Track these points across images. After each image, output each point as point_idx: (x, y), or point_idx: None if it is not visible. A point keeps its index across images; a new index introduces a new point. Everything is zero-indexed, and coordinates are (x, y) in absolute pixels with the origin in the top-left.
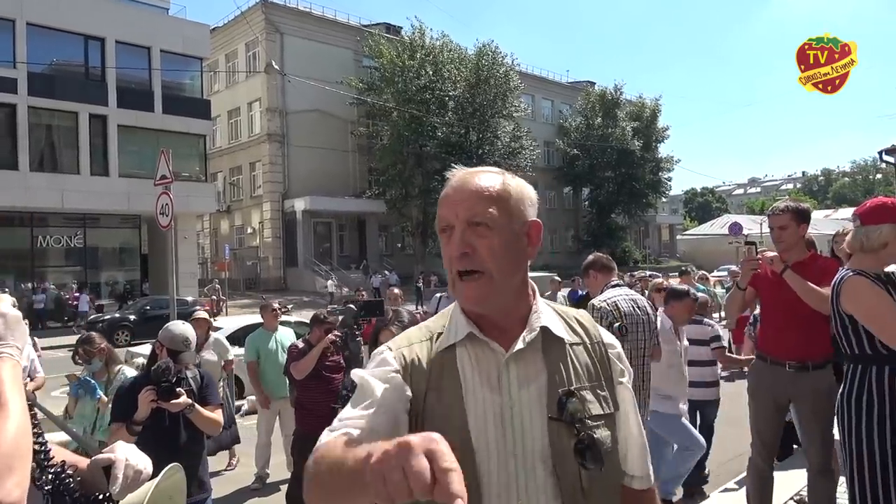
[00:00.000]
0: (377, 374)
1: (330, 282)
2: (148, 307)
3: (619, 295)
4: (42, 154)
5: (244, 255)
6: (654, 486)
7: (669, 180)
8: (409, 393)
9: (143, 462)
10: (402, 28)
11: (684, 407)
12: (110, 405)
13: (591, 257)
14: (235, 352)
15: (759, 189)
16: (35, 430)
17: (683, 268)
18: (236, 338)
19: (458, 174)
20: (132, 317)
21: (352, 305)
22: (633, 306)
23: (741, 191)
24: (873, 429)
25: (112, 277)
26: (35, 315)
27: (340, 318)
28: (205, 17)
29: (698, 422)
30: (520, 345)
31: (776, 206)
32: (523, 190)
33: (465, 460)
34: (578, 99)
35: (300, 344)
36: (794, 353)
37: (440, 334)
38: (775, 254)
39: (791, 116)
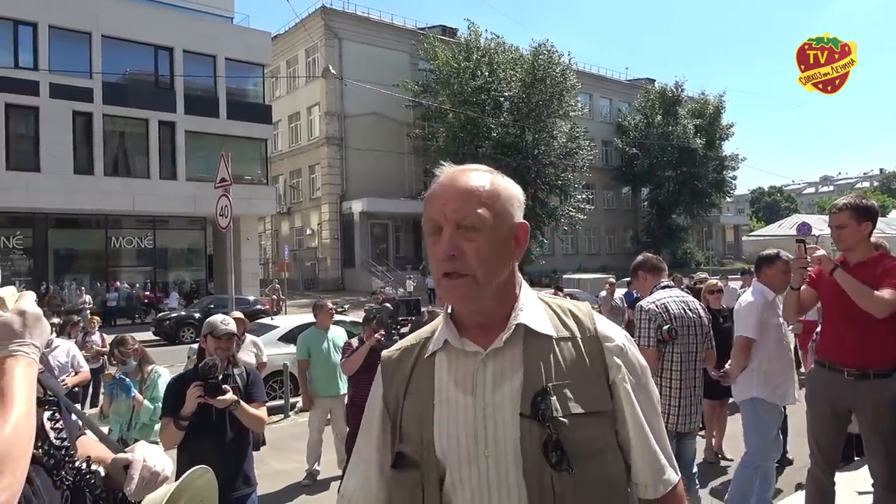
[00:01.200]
0: (369, 404)
1: (376, 281)
2: (212, 306)
3: (668, 296)
4: (116, 159)
5: (303, 255)
6: (674, 490)
7: (734, 179)
8: (387, 424)
9: (162, 463)
10: (457, 30)
11: (793, 395)
12: (145, 402)
13: (639, 258)
14: (290, 350)
15: (831, 188)
16: (56, 426)
17: (747, 268)
18: (291, 337)
19: (447, 172)
20: (197, 315)
21: (388, 304)
22: (683, 308)
23: (812, 189)
24: None
25: (179, 277)
26: (108, 312)
27: (377, 316)
28: (266, 24)
29: None
30: (496, 344)
31: (835, 203)
32: (511, 190)
33: (430, 465)
34: (637, 97)
35: (355, 343)
36: (854, 359)
37: (428, 339)
38: (823, 252)
39: (867, 111)
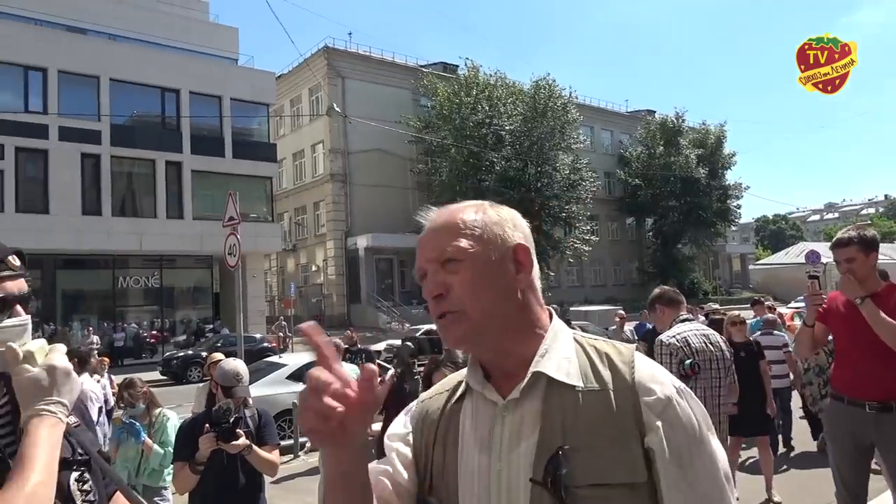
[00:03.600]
0: (392, 436)
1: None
2: (219, 344)
3: (689, 330)
4: (123, 200)
5: (309, 292)
6: None
7: (738, 208)
8: (410, 456)
9: None
10: (458, 67)
11: None
12: (154, 447)
13: (657, 290)
14: (298, 388)
15: (836, 214)
16: (85, 488)
17: (756, 297)
18: (299, 375)
19: (430, 216)
20: (204, 353)
21: (409, 343)
22: (705, 342)
23: (817, 217)
24: None
25: (186, 316)
26: (115, 353)
27: (397, 355)
28: (271, 65)
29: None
30: (514, 394)
31: (840, 237)
32: (502, 214)
33: None
34: (639, 128)
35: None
36: (875, 392)
37: (461, 383)
38: (851, 280)
39: (871, 137)
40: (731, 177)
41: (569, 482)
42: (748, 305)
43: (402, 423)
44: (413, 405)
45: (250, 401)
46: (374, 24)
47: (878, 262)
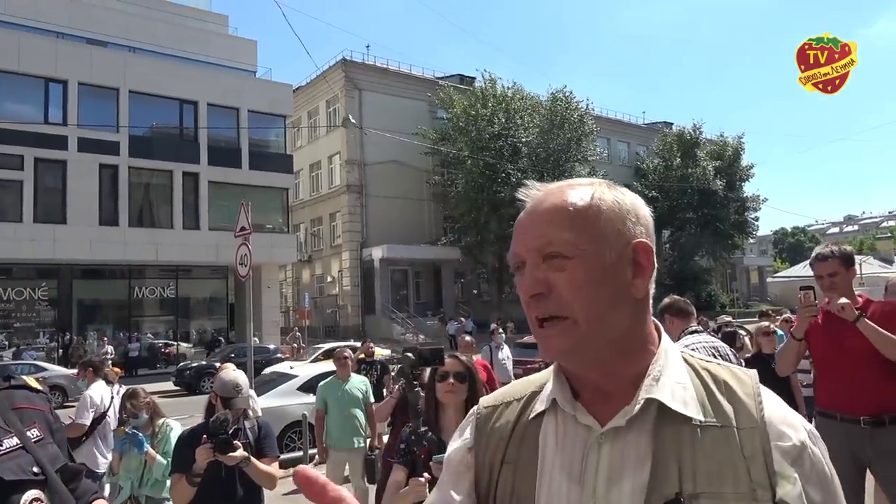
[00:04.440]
0: (451, 450)
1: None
2: (233, 354)
3: (698, 342)
4: (140, 210)
5: (324, 303)
6: None
7: (756, 220)
8: (471, 473)
9: None
10: (474, 79)
11: None
12: (157, 458)
13: (666, 301)
14: (309, 399)
15: (856, 227)
16: None
17: (764, 309)
18: (310, 386)
19: (535, 193)
20: (217, 364)
21: (409, 354)
22: (714, 355)
23: (836, 229)
24: None
25: (201, 326)
26: (130, 363)
27: (398, 366)
28: (288, 77)
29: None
30: (618, 421)
31: (820, 252)
32: (623, 203)
33: None
34: (655, 140)
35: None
36: (868, 406)
37: (535, 394)
38: (846, 300)
39: (891, 148)
40: (748, 189)
41: None
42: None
43: (461, 434)
44: (474, 410)
45: (251, 412)
46: (392, 37)
47: None
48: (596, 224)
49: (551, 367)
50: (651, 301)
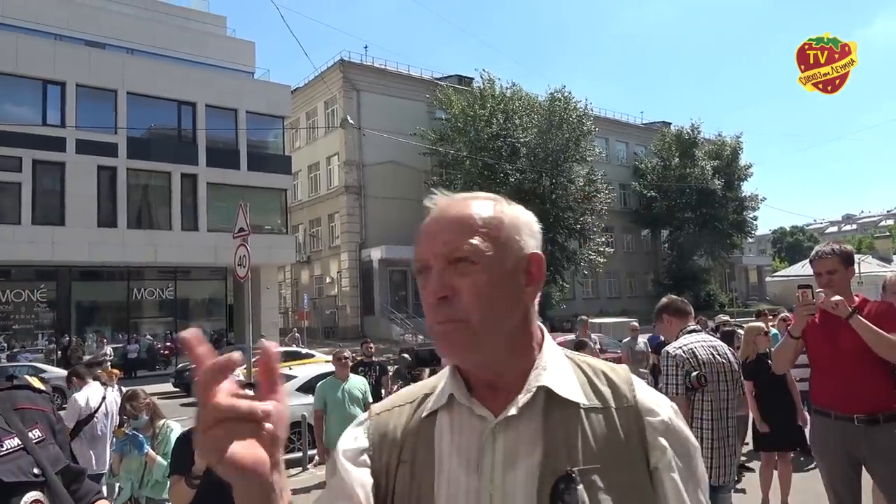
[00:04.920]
0: (346, 455)
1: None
2: None
3: (696, 342)
4: (139, 212)
5: (323, 304)
6: None
7: (755, 219)
8: (368, 479)
9: None
10: (473, 79)
11: None
12: (158, 459)
13: (664, 300)
14: (308, 400)
15: (854, 226)
16: None
17: (762, 309)
18: (310, 387)
19: (440, 202)
20: None
21: (406, 355)
22: (712, 353)
23: (834, 229)
24: None
25: (200, 327)
26: (128, 364)
27: (395, 368)
28: (287, 78)
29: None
30: (510, 410)
31: (821, 249)
32: (519, 217)
33: None
34: (654, 140)
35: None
36: (863, 405)
37: (428, 395)
38: (839, 298)
39: (889, 146)
40: (747, 188)
41: None
42: (753, 318)
43: (353, 437)
44: (364, 416)
45: None
46: (390, 37)
47: None
48: (498, 234)
49: (442, 372)
50: (537, 306)
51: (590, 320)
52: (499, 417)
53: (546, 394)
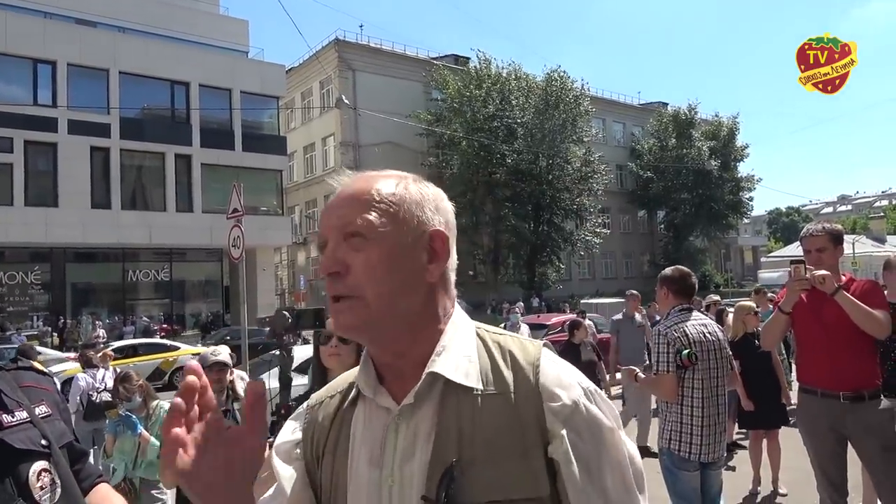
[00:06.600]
0: (279, 450)
1: None
2: (228, 337)
3: (686, 320)
4: (133, 193)
5: (319, 285)
6: None
7: (751, 200)
8: (295, 473)
9: None
10: (469, 59)
11: None
12: (151, 439)
13: (669, 271)
14: (303, 381)
15: (849, 207)
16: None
17: (758, 287)
18: (305, 368)
19: (345, 179)
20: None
21: (285, 312)
22: (702, 332)
23: (830, 209)
24: None
25: (196, 309)
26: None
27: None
28: (281, 58)
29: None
30: (408, 399)
31: (811, 227)
32: (425, 192)
33: None
34: (651, 120)
35: None
36: (849, 382)
37: (354, 384)
38: (827, 272)
39: (883, 127)
40: (743, 169)
41: (463, 500)
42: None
43: (291, 430)
44: (303, 407)
45: (241, 394)
46: (385, 16)
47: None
48: (397, 210)
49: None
50: (451, 286)
51: (587, 301)
52: (400, 407)
53: (443, 380)
